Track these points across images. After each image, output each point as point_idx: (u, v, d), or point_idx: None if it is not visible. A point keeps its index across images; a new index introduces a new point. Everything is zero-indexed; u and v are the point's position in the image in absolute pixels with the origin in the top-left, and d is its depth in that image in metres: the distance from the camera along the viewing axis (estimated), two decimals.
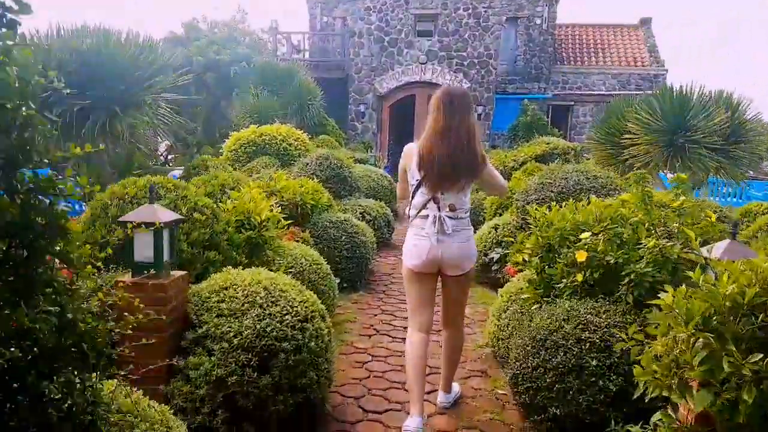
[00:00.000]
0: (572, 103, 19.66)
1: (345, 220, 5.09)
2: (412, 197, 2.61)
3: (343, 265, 4.87)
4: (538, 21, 18.84)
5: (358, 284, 4.99)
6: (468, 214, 2.65)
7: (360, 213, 6.84)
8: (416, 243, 2.58)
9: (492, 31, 16.82)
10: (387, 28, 17.06)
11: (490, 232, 5.36)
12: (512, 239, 5.40)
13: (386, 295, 4.89)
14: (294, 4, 67.27)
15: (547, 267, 3.17)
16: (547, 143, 8.69)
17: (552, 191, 4.77)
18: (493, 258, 5.13)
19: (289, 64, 13.64)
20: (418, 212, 2.58)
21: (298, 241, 4.64)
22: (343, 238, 4.92)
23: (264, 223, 3.17)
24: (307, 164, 7.17)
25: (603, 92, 19.35)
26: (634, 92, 19.07)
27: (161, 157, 22.57)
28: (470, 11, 16.85)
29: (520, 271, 4.86)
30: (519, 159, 8.13)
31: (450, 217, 2.53)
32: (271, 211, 3.29)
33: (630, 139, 6.79)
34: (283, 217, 5.00)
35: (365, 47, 17.14)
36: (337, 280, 4.72)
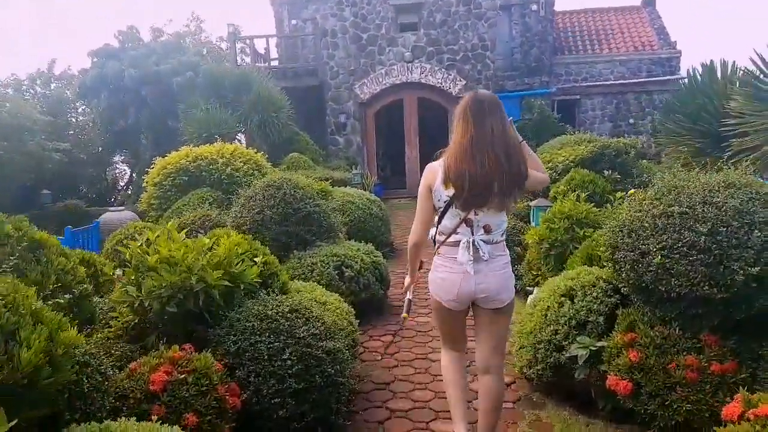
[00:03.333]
0: (578, 96, 17.50)
1: (292, 312, 2.65)
2: (440, 220, 2.21)
3: (290, 408, 2.43)
4: (534, 7, 16.64)
5: None
6: (504, 236, 2.23)
7: (334, 267, 4.44)
8: (445, 277, 2.21)
9: (486, 18, 14.66)
10: (364, 24, 14.80)
11: (562, 305, 2.94)
12: (602, 317, 3.00)
13: None
14: (261, 11, 63.39)
15: None
16: (590, 141, 6.34)
17: (697, 230, 2.38)
18: (577, 357, 2.71)
19: (245, 70, 11.26)
20: (447, 237, 2.19)
21: (182, 376, 2.20)
22: (289, 351, 2.48)
23: None
24: (251, 199, 4.76)
25: (612, 81, 17.19)
26: (648, 79, 16.96)
27: (125, 190, 20.04)
28: None
29: (639, 385, 2.46)
30: (557, 166, 5.75)
31: (485, 242, 2.15)
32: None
33: (737, 125, 4.45)
34: (177, 315, 2.51)
35: (340, 48, 14.84)
36: None
